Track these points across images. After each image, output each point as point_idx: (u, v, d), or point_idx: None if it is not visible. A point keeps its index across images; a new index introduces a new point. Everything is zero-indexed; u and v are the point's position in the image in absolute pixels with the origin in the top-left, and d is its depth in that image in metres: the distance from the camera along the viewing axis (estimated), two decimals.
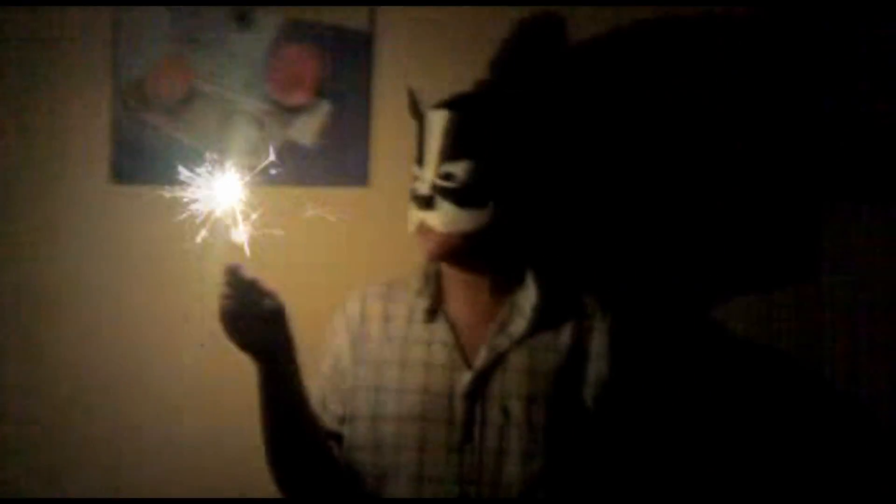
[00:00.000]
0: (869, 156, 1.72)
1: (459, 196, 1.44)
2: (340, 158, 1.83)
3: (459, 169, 1.44)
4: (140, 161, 1.87)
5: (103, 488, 1.88)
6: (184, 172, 1.25)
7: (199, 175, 1.36)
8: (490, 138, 1.47)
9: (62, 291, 1.91)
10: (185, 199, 1.34)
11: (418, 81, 1.58)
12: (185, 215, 1.28)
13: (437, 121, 1.47)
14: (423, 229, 1.47)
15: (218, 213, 1.33)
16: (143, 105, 1.87)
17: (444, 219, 1.45)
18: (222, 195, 1.34)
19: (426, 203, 1.45)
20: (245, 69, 1.85)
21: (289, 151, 1.83)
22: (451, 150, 1.45)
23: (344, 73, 1.84)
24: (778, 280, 1.74)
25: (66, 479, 1.90)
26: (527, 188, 1.53)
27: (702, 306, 1.76)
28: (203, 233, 1.32)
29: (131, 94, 1.87)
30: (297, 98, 1.84)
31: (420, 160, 1.49)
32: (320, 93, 1.84)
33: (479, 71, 1.77)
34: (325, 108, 1.84)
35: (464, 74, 1.74)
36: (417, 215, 1.47)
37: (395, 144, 1.78)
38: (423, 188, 1.46)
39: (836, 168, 1.73)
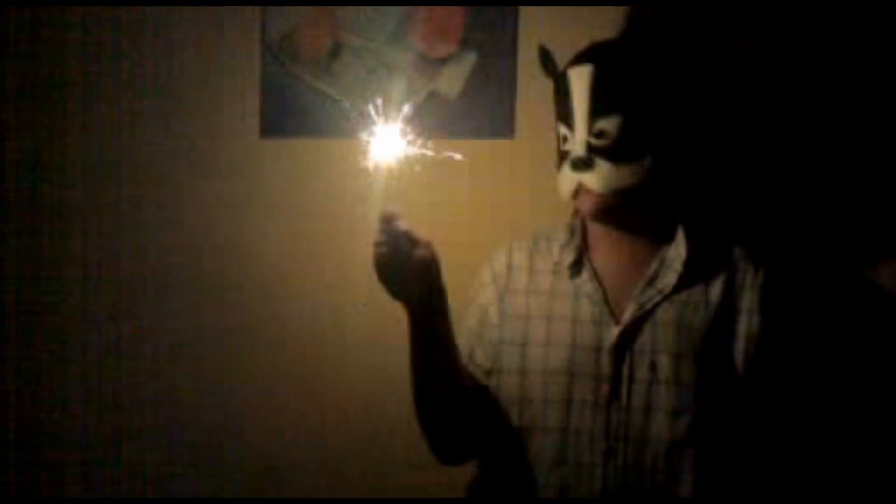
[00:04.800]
0: None
1: (615, 153, 1.43)
2: (486, 110, 1.82)
3: (612, 125, 1.43)
4: (289, 115, 1.90)
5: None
6: (339, 126, 1.27)
7: (354, 128, 1.38)
8: (638, 89, 1.45)
9: (218, 249, 1.94)
10: (336, 154, 1.36)
11: (563, 31, 1.56)
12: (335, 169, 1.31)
13: (582, 77, 1.45)
14: (582, 191, 1.45)
15: (371, 166, 1.35)
16: (292, 59, 1.89)
17: (602, 178, 1.43)
18: (379, 148, 1.36)
19: (583, 164, 1.44)
20: (391, 21, 1.85)
21: (435, 103, 1.83)
22: (602, 107, 1.43)
23: (489, 23, 1.82)
24: None
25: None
26: (678, 138, 1.50)
27: (853, 263, 1.70)
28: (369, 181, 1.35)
29: (280, 48, 1.90)
30: (443, 49, 1.83)
31: (566, 119, 1.47)
32: (466, 44, 1.83)
33: (619, 25, 1.73)
34: (470, 59, 1.83)
35: (607, 27, 1.70)
36: (573, 177, 1.45)
37: (541, 96, 1.74)
38: (578, 149, 1.44)
39: None
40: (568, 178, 1.46)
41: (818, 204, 1.71)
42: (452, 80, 1.83)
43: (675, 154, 1.49)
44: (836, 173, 1.71)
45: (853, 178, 1.70)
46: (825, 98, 1.71)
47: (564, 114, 1.48)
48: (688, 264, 1.46)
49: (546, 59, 1.53)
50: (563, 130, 1.48)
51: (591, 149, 1.43)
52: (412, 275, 1.35)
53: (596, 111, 1.43)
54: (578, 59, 1.47)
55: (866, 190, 1.70)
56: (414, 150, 1.37)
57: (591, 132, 1.43)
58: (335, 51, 1.87)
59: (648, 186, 1.45)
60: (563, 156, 1.48)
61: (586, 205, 1.46)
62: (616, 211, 1.46)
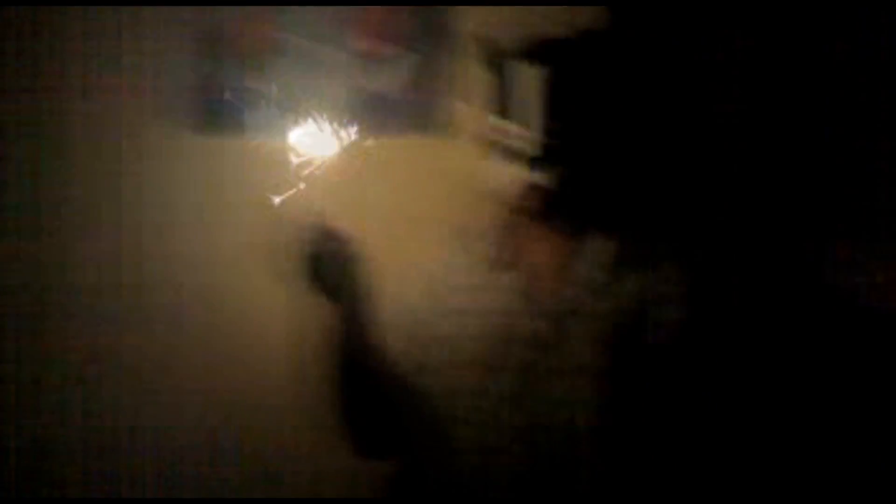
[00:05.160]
0: None
1: (567, 152, 1.42)
2: (426, 109, 1.83)
3: (565, 124, 1.42)
4: (224, 115, 1.87)
5: None
6: (273, 125, 1.27)
7: (287, 127, 1.38)
8: (591, 88, 1.45)
9: (146, 251, 1.91)
10: (273, 152, 1.36)
11: (505, 30, 1.54)
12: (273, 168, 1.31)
13: (537, 72, 1.44)
14: (530, 188, 1.44)
15: (307, 164, 1.36)
16: (227, 57, 1.87)
17: (555, 176, 1.42)
18: (312, 147, 1.36)
19: (534, 162, 1.43)
20: (329, 19, 1.84)
21: (374, 103, 1.82)
22: (557, 104, 1.43)
23: (430, 20, 1.82)
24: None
25: None
26: (613, 139, 1.49)
27: (778, 255, 1.73)
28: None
29: (215, 46, 1.87)
30: (382, 48, 1.83)
31: (515, 114, 1.46)
32: (406, 44, 1.83)
33: (563, 25, 1.70)
34: (410, 59, 1.83)
35: (550, 27, 1.68)
36: (523, 173, 1.44)
37: (481, 95, 1.75)
38: (531, 146, 1.43)
39: None
40: (513, 175, 1.45)
41: (737, 200, 1.75)
42: (393, 80, 1.83)
43: (612, 152, 1.49)
44: (755, 170, 1.75)
45: (771, 175, 1.74)
46: (747, 93, 1.75)
47: (513, 108, 1.46)
48: (611, 258, 1.46)
49: (491, 50, 1.51)
50: (506, 125, 1.46)
51: (544, 147, 1.42)
52: (337, 272, 1.35)
53: (550, 109, 1.43)
54: (531, 55, 1.47)
55: (784, 186, 1.73)
56: (345, 150, 1.37)
57: (544, 130, 1.43)
58: (272, 49, 1.85)
59: (592, 184, 1.45)
60: (507, 150, 1.46)
61: (531, 202, 1.45)
62: (560, 210, 1.46)
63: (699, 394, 1.45)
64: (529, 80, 1.44)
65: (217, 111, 1.88)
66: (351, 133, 1.38)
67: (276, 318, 1.79)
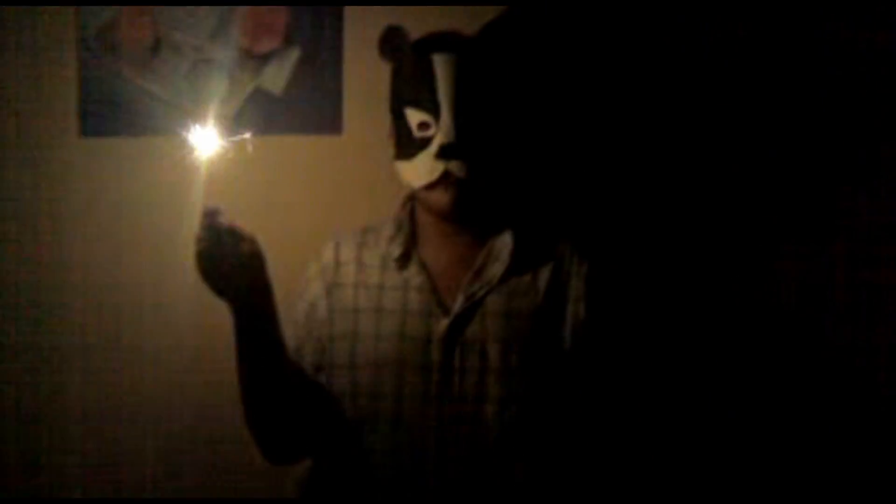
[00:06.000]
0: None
1: (481, 142, 1.44)
2: (312, 106, 1.81)
3: (480, 114, 1.44)
4: (109, 113, 1.84)
5: None
6: (161, 123, 1.23)
7: (175, 125, 1.34)
8: (499, 81, 1.47)
9: (36, 251, 1.89)
10: (158, 151, 1.33)
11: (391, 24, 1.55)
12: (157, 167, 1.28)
13: (449, 63, 1.44)
14: (444, 180, 1.44)
15: (193, 162, 1.32)
16: (110, 55, 1.83)
17: (470, 166, 1.43)
18: (197, 145, 1.33)
19: (453, 151, 1.42)
20: (212, 16, 1.81)
21: (259, 99, 1.80)
22: (471, 95, 1.44)
23: (314, 17, 1.80)
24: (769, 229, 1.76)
25: None
26: (515, 134, 1.52)
27: (682, 255, 1.77)
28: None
29: (97, 44, 1.83)
30: (266, 45, 1.81)
31: (426, 105, 1.44)
32: (290, 39, 1.80)
33: (457, 16, 1.72)
34: (294, 54, 1.81)
35: (431, 26, 1.66)
36: (437, 165, 1.43)
37: (368, 90, 1.75)
38: (447, 135, 1.43)
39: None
40: (429, 166, 1.44)
41: (640, 197, 1.77)
42: (276, 76, 1.80)
43: (514, 148, 1.51)
44: (656, 168, 1.77)
45: (671, 172, 1.77)
46: (654, 94, 1.77)
47: (424, 99, 1.45)
48: (514, 255, 1.48)
49: (396, 40, 1.50)
50: (421, 116, 1.45)
51: (459, 137, 1.42)
52: (236, 271, 1.31)
53: (465, 99, 1.43)
54: (438, 46, 1.46)
55: (684, 183, 1.77)
56: (235, 147, 1.34)
57: (459, 120, 1.42)
58: (155, 47, 1.82)
59: (499, 180, 1.46)
60: (419, 143, 1.45)
61: (446, 195, 1.45)
62: (472, 203, 1.46)
63: (606, 391, 1.48)
64: (449, 71, 1.44)
65: (104, 111, 1.84)
66: (238, 131, 1.35)
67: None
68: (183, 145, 1.33)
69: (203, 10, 1.81)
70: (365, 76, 1.77)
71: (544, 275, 1.48)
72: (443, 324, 1.45)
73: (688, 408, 1.72)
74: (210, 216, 1.30)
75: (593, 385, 1.47)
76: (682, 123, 1.76)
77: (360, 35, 1.77)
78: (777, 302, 1.75)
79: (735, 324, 1.75)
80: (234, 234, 1.32)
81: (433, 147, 1.43)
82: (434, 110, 1.44)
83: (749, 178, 1.75)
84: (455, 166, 1.42)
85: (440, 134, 1.43)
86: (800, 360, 1.74)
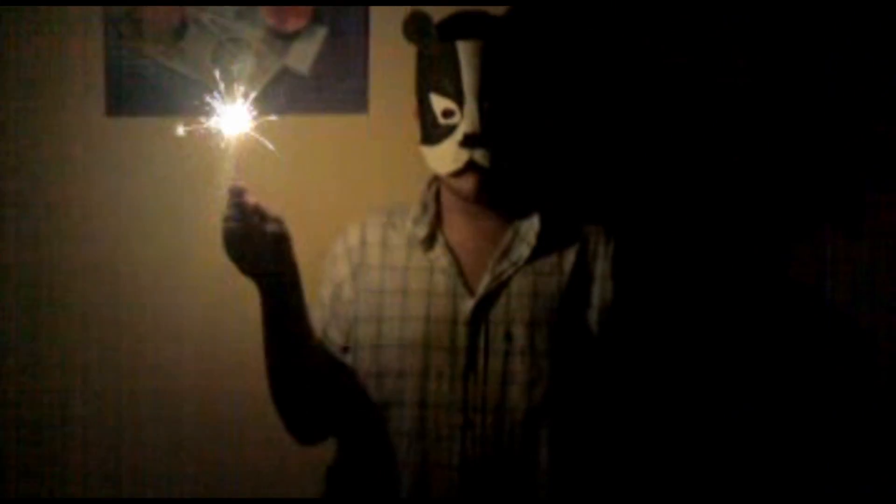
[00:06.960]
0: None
1: (507, 130, 1.43)
2: (338, 85, 1.80)
3: (505, 102, 1.43)
4: (136, 93, 1.85)
5: None
6: (187, 103, 1.23)
7: (202, 105, 1.33)
8: (526, 67, 1.46)
9: (63, 229, 1.90)
10: (186, 130, 1.33)
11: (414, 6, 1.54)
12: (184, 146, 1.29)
13: (475, 50, 1.42)
14: (469, 168, 1.43)
15: (222, 142, 1.32)
16: (137, 35, 1.84)
17: (495, 155, 1.42)
18: (225, 124, 1.32)
19: (477, 140, 1.42)
20: None
21: (286, 79, 1.80)
22: (496, 82, 1.42)
23: None
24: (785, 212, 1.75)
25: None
26: (543, 118, 1.51)
27: (707, 234, 1.76)
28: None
29: (124, 24, 1.84)
30: (293, 24, 1.80)
31: (450, 93, 1.44)
32: (316, 18, 1.80)
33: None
34: (321, 33, 1.80)
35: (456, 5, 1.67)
36: (462, 153, 1.43)
37: (394, 70, 1.74)
38: (471, 125, 1.42)
39: None
40: (453, 154, 1.43)
41: (665, 178, 1.77)
42: (303, 56, 1.80)
43: (542, 133, 1.50)
44: (681, 155, 1.76)
45: (696, 160, 1.76)
46: (672, 85, 1.76)
47: (448, 87, 1.44)
48: (540, 236, 1.47)
49: (424, 27, 1.47)
50: (446, 104, 1.44)
51: (484, 125, 1.41)
52: (263, 250, 1.31)
53: (490, 87, 1.42)
54: (464, 32, 1.44)
55: (708, 169, 1.76)
56: (263, 126, 1.33)
57: (484, 109, 1.42)
58: (181, 27, 1.82)
59: (525, 165, 1.46)
60: (443, 130, 1.45)
61: (471, 182, 1.44)
62: (498, 189, 1.46)
63: (631, 371, 1.48)
64: (474, 58, 1.42)
65: (131, 91, 1.85)
66: (265, 110, 1.34)
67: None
68: (210, 126, 1.32)
69: None
70: (391, 55, 1.75)
71: (570, 255, 1.48)
72: (468, 304, 1.45)
73: (707, 392, 1.72)
74: (237, 194, 1.30)
75: (619, 365, 1.47)
76: (708, 107, 1.75)
77: (387, 14, 1.76)
78: (805, 286, 1.74)
79: (758, 307, 1.74)
80: (261, 214, 1.31)
81: (457, 135, 1.43)
82: (458, 98, 1.43)
83: (777, 158, 1.74)
84: (479, 155, 1.42)
85: (464, 123, 1.43)
86: (824, 344, 1.74)
